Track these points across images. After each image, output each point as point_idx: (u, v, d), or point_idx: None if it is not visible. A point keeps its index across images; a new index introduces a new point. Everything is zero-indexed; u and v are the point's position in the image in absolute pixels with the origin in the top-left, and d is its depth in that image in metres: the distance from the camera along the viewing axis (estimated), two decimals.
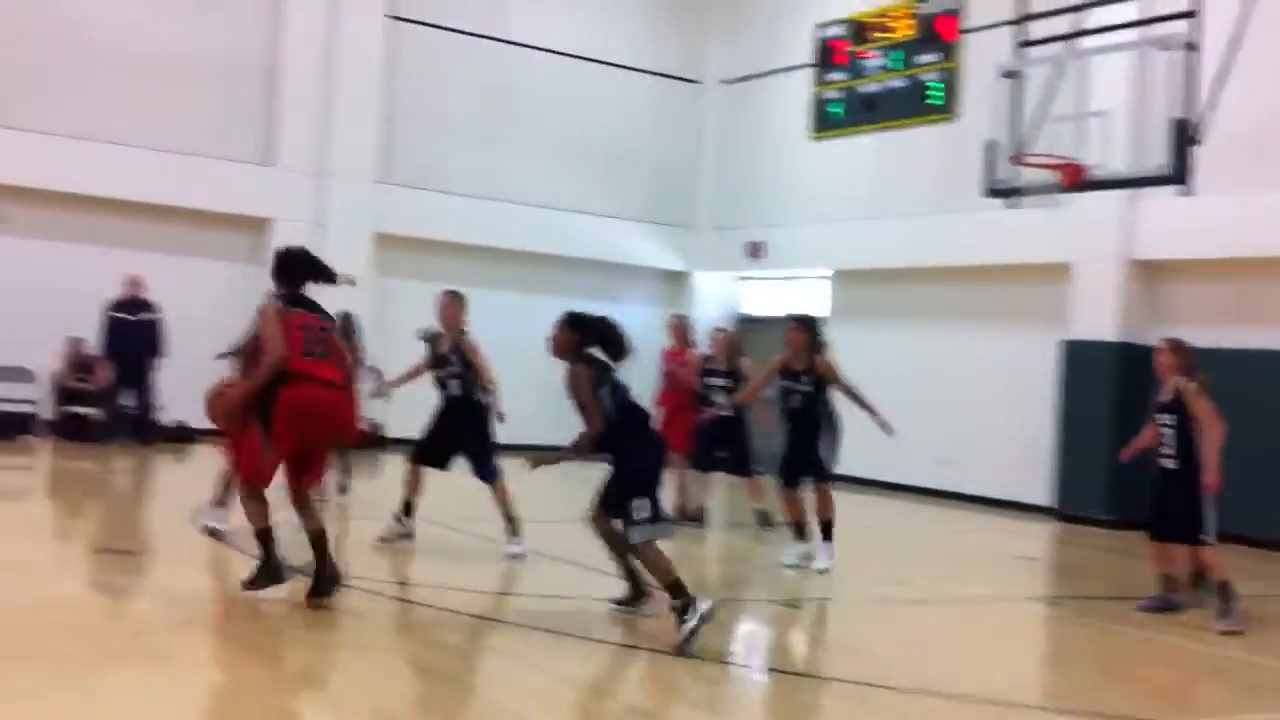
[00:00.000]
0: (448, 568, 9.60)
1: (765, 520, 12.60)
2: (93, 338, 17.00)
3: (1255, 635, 8.78)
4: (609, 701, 6.48)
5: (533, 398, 17.47)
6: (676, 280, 22.46)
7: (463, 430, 10.32)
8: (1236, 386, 11.59)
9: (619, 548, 7.85)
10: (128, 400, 17.08)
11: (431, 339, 10.64)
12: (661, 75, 22.20)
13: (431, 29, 20.20)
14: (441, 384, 10.52)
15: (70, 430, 16.82)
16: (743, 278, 22.36)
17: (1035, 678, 7.92)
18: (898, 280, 18.98)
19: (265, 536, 7.52)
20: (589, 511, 7.87)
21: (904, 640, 8.43)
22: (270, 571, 7.58)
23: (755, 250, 21.24)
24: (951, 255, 17.84)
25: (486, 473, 10.23)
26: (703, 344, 14.04)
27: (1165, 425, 9.30)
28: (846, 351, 19.21)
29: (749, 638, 8.31)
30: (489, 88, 20.68)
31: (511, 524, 10.04)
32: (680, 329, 14.27)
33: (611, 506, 7.69)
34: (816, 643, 8.52)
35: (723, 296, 22.42)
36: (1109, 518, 15.24)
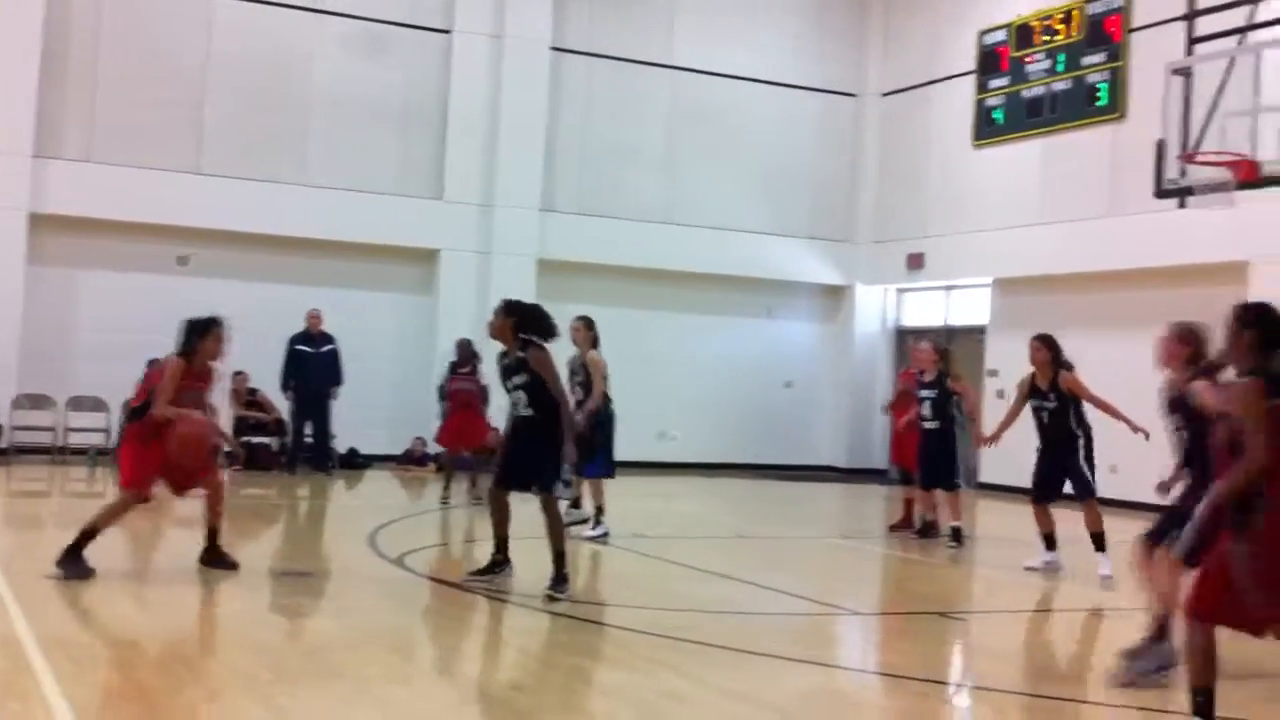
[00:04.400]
0: (617, 584, 9.70)
1: (928, 531, 12.86)
2: (272, 371, 17.54)
3: None
4: None
5: (697, 414, 17.12)
6: (836, 294, 22.31)
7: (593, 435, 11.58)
8: None
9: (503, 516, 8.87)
10: (306, 429, 17.62)
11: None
12: (821, 91, 22.12)
13: (594, 58, 20.51)
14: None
15: (247, 459, 17.39)
16: (902, 289, 22.12)
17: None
18: (1064, 287, 18.50)
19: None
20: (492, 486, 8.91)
21: (1067, 648, 8.23)
22: None
23: (916, 261, 21.00)
24: (1121, 258, 17.33)
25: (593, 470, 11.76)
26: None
27: None
28: (1007, 361, 19.03)
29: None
30: (650, 112, 20.89)
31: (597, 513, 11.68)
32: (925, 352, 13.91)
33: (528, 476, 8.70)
34: (979, 652, 8.33)
35: (881, 309, 22.24)
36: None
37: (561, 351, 9.64)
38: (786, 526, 14.89)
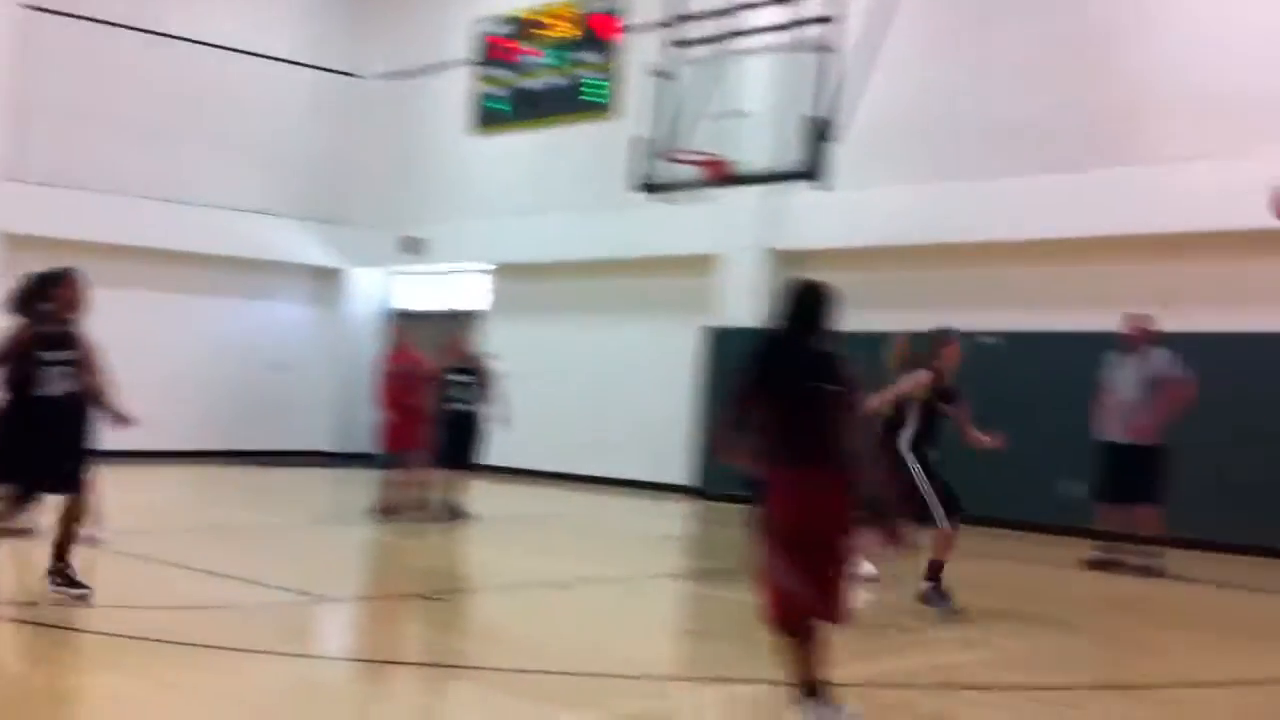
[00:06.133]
0: None
1: (456, 513, 12.97)
2: None
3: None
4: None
5: (177, 399, 16.19)
6: (330, 277, 21.90)
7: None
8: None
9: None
10: None
11: None
12: (320, 69, 21.54)
13: (76, 19, 18.90)
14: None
15: None
16: (398, 273, 21.99)
17: (677, 650, 8.10)
18: (557, 274, 19.19)
19: None
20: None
21: (550, 624, 8.46)
22: None
23: (411, 245, 20.88)
24: (606, 249, 18.19)
25: None
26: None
27: None
28: (508, 344, 19.44)
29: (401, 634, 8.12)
30: (136, 81, 19.54)
31: None
32: (400, 331, 14.36)
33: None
34: (462, 633, 8.35)
35: (376, 293, 22.08)
36: (749, 494, 15.78)
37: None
38: (268, 514, 14.48)
